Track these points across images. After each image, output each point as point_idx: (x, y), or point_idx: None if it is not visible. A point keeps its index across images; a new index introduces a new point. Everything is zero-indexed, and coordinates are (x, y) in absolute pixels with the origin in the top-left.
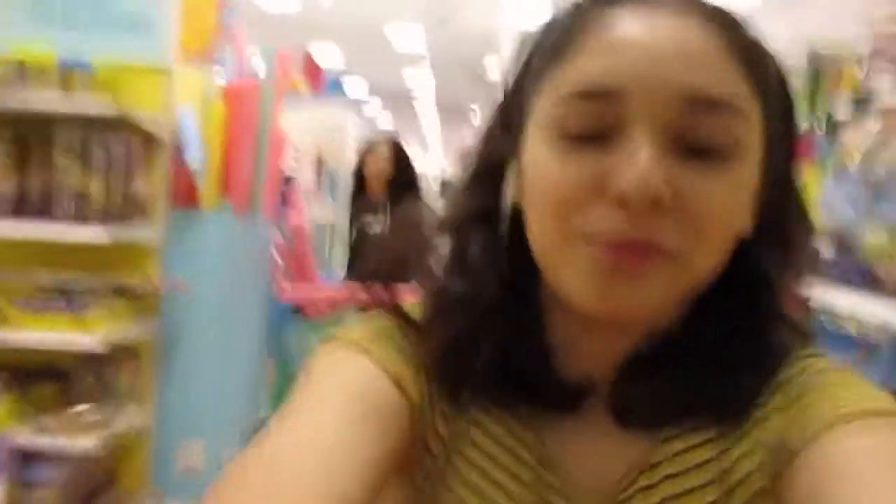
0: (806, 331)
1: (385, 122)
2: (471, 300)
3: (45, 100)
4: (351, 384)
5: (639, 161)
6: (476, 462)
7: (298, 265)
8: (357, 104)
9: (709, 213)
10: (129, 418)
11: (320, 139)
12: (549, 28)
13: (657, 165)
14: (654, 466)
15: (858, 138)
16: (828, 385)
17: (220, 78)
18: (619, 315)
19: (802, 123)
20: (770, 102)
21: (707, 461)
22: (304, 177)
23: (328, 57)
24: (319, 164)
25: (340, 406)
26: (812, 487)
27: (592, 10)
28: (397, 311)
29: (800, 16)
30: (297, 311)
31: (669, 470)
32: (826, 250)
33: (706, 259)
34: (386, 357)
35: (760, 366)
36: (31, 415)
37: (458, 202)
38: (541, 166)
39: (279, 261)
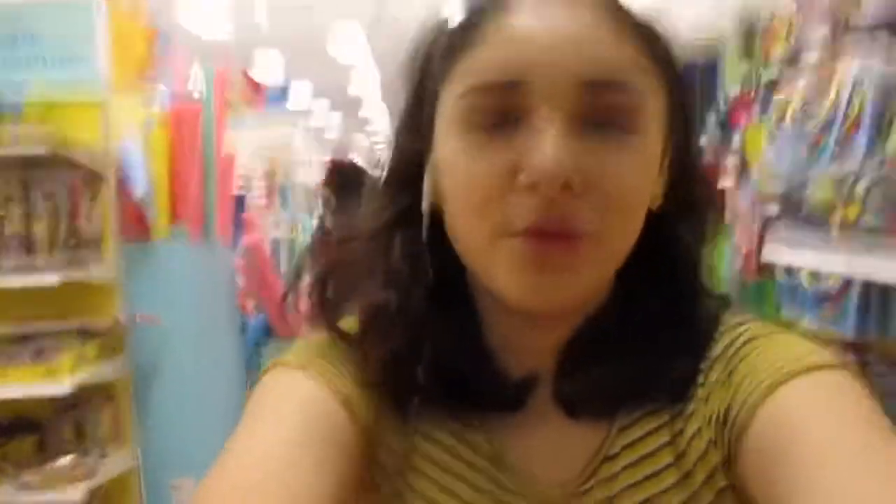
0: (726, 296)
1: (333, 127)
2: (401, 310)
3: None
4: (299, 409)
5: (546, 147)
6: (430, 474)
7: (261, 284)
8: (302, 115)
9: (619, 189)
10: (113, 463)
11: (268, 155)
12: (448, 27)
13: (564, 149)
14: (613, 457)
15: (792, 95)
16: (761, 351)
17: (159, 104)
18: (551, 306)
19: (739, 86)
20: (667, 78)
21: (663, 445)
22: (256, 194)
23: (270, 67)
24: (270, 179)
25: (292, 432)
26: (763, 452)
27: (489, 8)
28: (335, 329)
29: None
30: (269, 332)
31: (628, 458)
32: (773, 209)
33: (623, 235)
34: (331, 378)
35: (694, 339)
36: (11, 472)
37: (375, 209)
38: (453, 162)
39: (241, 281)
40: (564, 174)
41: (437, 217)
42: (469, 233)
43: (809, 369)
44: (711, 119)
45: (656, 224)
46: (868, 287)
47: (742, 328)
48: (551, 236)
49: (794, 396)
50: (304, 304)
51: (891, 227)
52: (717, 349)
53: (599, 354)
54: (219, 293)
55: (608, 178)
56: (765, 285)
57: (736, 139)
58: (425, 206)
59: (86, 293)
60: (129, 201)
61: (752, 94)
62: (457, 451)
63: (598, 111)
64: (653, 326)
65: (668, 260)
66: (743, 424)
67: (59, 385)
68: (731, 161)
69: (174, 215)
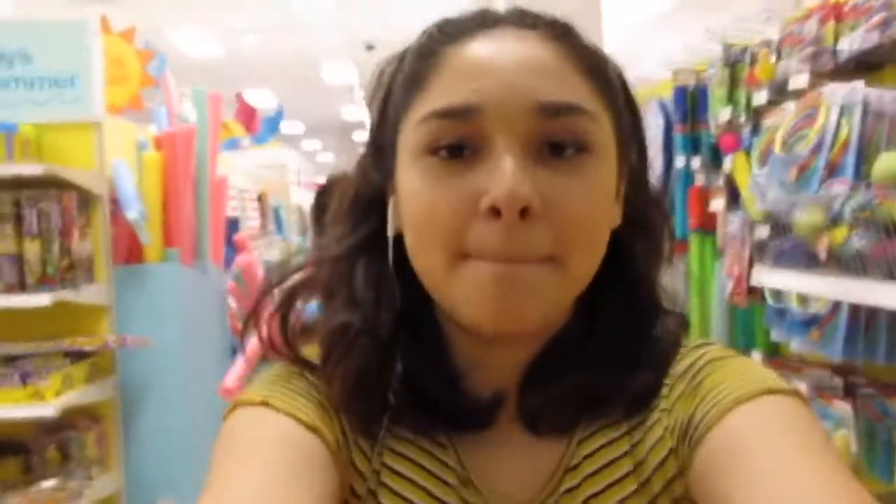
0: (683, 318)
1: (325, 154)
2: (365, 332)
3: None
4: (273, 443)
5: (505, 172)
6: (400, 493)
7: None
8: (295, 140)
9: (577, 212)
10: (99, 486)
11: (261, 178)
12: (406, 59)
13: (522, 173)
14: (574, 468)
15: (778, 122)
16: (723, 371)
17: (153, 126)
18: (512, 328)
19: (724, 115)
20: (616, 104)
21: (622, 455)
22: (249, 216)
23: (262, 99)
24: (263, 202)
25: (271, 468)
26: (714, 464)
27: (445, 41)
28: (295, 357)
29: (712, 15)
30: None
31: (589, 469)
32: (764, 234)
33: (585, 258)
34: (295, 407)
35: (653, 353)
36: None
37: (339, 235)
38: (412, 189)
39: (233, 304)
40: (523, 199)
41: (400, 245)
42: (429, 258)
43: (771, 391)
44: (702, 143)
45: (614, 244)
46: (856, 310)
47: (704, 349)
48: (513, 261)
49: (752, 415)
50: (265, 328)
51: (877, 251)
52: (680, 367)
53: (561, 371)
54: (210, 316)
55: (566, 202)
56: (754, 309)
57: (725, 163)
58: (390, 231)
59: (76, 315)
60: (122, 223)
61: (741, 118)
62: (426, 469)
63: (553, 135)
64: (613, 342)
65: (627, 279)
66: (700, 436)
67: (45, 407)
68: (721, 185)
69: (167, 237)
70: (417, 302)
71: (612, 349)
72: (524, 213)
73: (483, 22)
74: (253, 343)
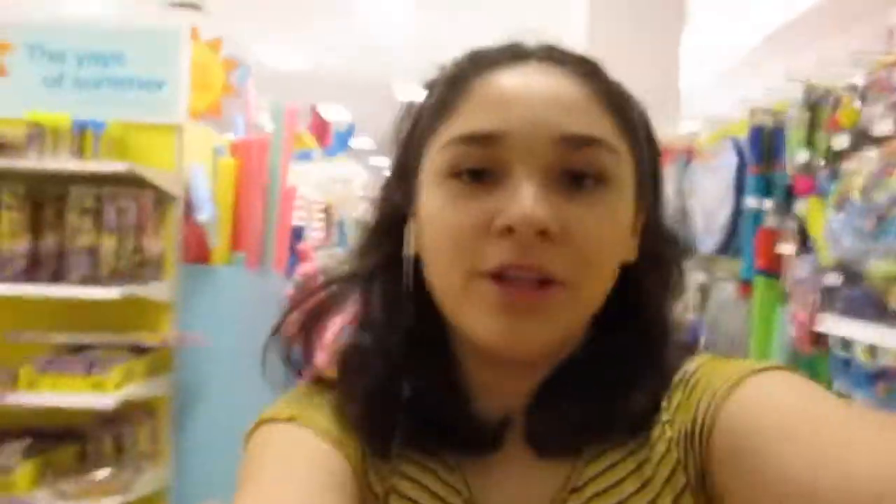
0: (692, 347)
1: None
2: (381, 353)
3: (59, 161)
4: (302, 458)
5: (522, 198)
6: None
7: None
8: (364, 155)
9: (591, 242)
10: (148, 480)
11: (329, 190)
12: (435, 88)
13: (541, 200)
14: (579, 489)
15: (858, 168)
16: (713, 368)
17: (231, 133)
18: (523, 350)
19: (802, 157)
20: (637, 141)
21: (628, 474)
22: (315, 226)
23: (335, 114)
24: (328, 214)
25: (297, 484)
26: (733, 433)
27: (474, 70)
28: (316, 375)
29: (794, 57)
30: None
31: (595, 489)
32: (834, 281)
33: (595, 286)
34: (319, 423)
35: (656, 376)
36: (51, 479)
37: (359, 255)
38: (432, 211)
39: None
40: (541, 220)
41: (418, 266)
42: (444, 277)
43: (763, 370)
44: (775, 184)
45: (627, 275)
46: None
47: (693, 359)
48: (524, 281)
49: (753, 388)
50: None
51: None
52: (675, 378)
53: (569, 395)
54: (268, 321)
55: (582, 231)
56: (818, 357)
57: (799, 206)
58: (409, 252)
59: (142, 310)
60: (193, 224)
61: (819, 162)
62: (434, 491)
63: (573, 166)
64: (621, 369)
65: (639, 310)
66: (710, 426)
67: (105, 398)
68: (791, 228)
69: (234, 241)
70: (431, 324)
71: (619, 375)
72: (543, 235)
73: (514, 55)
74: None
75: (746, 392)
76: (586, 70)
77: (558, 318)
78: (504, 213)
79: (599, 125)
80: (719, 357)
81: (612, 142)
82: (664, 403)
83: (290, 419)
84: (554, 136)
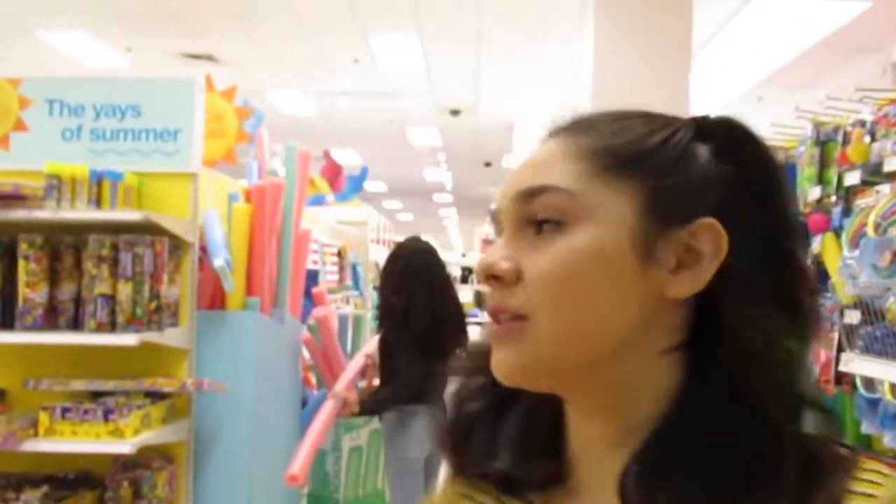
0: (827, 410)
1: (405, 214)
2: (490, 388)
3: (77, 210)
4: None
5: (488, 252)
6: None
7: (327, 359)
8: (377, 198)
9: (544, 277)
10: None
11: (342, 233)
12: None
13: (501, 249)
14: None
15: (872, 203)
16: None
17: (243, 181)
18: (506, 377)
19: (814, 194)
20: (643, 174)
21: None
22: (328, 270)
23: (348, 158)
24: (342, 257)
25: None
26: None
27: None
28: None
29: (801, 94)
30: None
31: None
32: (852, 318)
33: (554, 317)
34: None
35: (789, 470)
36: None
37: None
38: None
39: (307, 356)
40: (486, 266)
41: None
42: None
43: None
44: None
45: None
46: None
47: (866, 471)
48: (502, 319)
49: None
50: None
51: None
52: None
53: (670, 470)
54: (284, 366)
55: (535, 270)
56: (843, 398)
57: (813, 244)
58: None
59: (159, 356)
60: (208, 270)
61: (831, 198)
62: None
63: (532, 215)
64: (729, 444)
65: (742, 364)
66: None
67: (123, 444)
68: (807, 265)
69: (249, 286)
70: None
71: (729, 454)
72: (490, 279)
73: (547, 133)
74: (316, 428)
75: None
76: (581, 127)
77: (520, 348)
78: None
79: (555, 173)
80: None
81: (566, 186)
82: None
83: None
84: (513, 194)
